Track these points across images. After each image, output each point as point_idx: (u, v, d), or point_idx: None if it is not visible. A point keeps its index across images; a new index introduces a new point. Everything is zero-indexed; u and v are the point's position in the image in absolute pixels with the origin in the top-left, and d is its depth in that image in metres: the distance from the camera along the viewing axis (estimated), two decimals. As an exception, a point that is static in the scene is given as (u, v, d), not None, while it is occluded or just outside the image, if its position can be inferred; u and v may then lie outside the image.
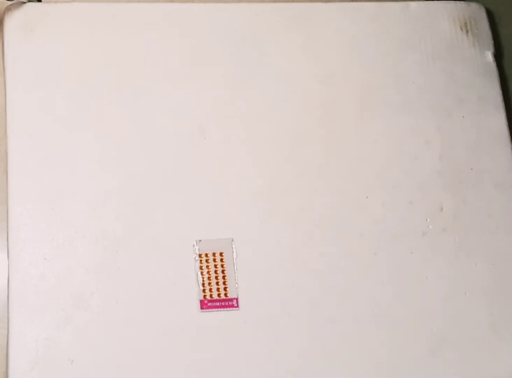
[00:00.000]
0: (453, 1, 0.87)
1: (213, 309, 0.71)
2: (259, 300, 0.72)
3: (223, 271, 0.72)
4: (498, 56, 0.86)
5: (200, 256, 0.72)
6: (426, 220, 0.77)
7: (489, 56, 0.84)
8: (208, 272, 0.72)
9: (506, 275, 0.76)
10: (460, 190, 0.79)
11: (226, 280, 0.72)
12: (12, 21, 0.78)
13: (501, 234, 0.78)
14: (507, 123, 0.81)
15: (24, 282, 0.70)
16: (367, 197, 0.77)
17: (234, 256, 0.73)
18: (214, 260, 0.73)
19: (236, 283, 0.72)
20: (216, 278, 0.72)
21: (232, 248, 0.73)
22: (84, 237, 0.72)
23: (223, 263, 0.72)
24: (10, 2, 0.78)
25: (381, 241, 0.76)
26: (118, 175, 0.75)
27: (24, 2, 0.79)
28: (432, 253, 0.76)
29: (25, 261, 0.71)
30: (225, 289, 0.72)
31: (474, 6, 0.87)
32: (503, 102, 0.82)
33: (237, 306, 0.72)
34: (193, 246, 0.72)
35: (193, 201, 0.75)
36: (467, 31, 0.85)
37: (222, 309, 0.71)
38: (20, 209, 0.72)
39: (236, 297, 0.72)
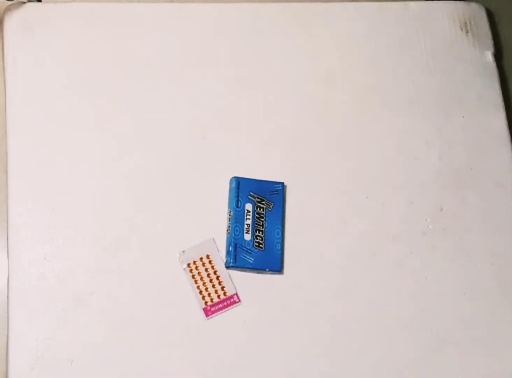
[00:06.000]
0: (453, 1, 0.87)
1: (218, 312, 0.71)
2: (259, 298, 0.73)
3: (215, 272, 0.72)
4: (498, 56, 0.86)
5: (188, 265, 0.72)
6: (426, 220, 0.77)
7: (489, 56, 0.84)
8: (201, 278, 0.72)
9: (506, 275, 0.76)
10: (460, 190, 0.79)
11: (220, 280, 0.72)
12: (12, 21, 0.78)
13: (501, 234, 0.78)
14: (507, 123, 0.81)
15: (24, 282, 0.70)
16: (367, 197, 0.77)
17: (222, 254, 0.73)
18: (204, 265, 0.73)
19: (231, 278, 0.72)
20: (211, 281, 0.72)
21: (216, 246, 0.73)
22: (84, 237, 0.72)
23: (213, 264, 0.72)
24: (10, 2, 0.78)
25: (381, 241, 0.76)
26: (118, 176, 0.75)
27: (24, 2, 0.79)
28: (432, 253, 0.76)
29: (25, 261, 0.71)
30: (222, 288, 0.72)
31: (474, 6, 0.87)
32: (503, 102, 0.82)
33: (239, 301, 0.72)
34: (178, 258, 0.72)
35: (193, 201, 0.75)
36: (467, 31, 0.85)
37: (226, 309, 0.71)
38: (20, 209, 0.72)
39: (235, 292, 0.72)
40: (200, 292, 0.71)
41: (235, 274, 0.73)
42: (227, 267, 0.72)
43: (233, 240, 0.71)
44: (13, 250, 0.71)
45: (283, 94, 0.80)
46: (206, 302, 0.71)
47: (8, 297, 0.70)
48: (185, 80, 0.79)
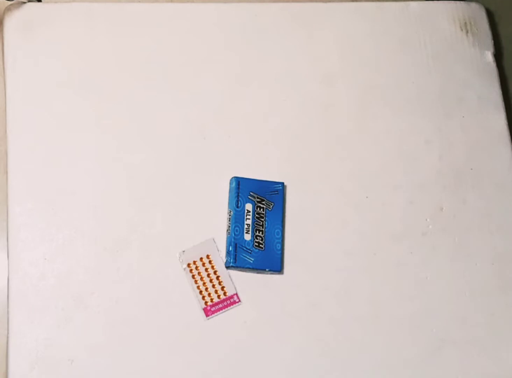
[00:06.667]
0: (453, 1, 0.87)
1: (218, 312, 0.71)
2: (259, 298, 0.73)
3: (215, 272, 0.72)
4: (498, 56, 0.86)
5: (188, 265, 0.72)
6: (426, 220, 0.77)
7: (489, 56, 0.84)
8: (201, 278, 0.72)
9: (506, 275, 0.76)
10: (460, 189, 0.79)
11: (220, 280, 0.72)
12: (12, 21, 0.78)
13: (501, 234, 0.78)
14: (507, 123, 0.81)
15: (24, 282, 0.70)
16: (367, 197, 0.77)
17: (222, 254, 0.73)
18: (204, 265, 0.73)
19: (231, 278, 0.72)
20: (211, 281, 0.72)
21: (216, 246, 0.73)
22: (84, 237, 0.72)
23: (213, 264, 0.72)
24: (10, 2, 0.78)
25: (381, 241, 0.76)
26: (118, 176, 0.75)
27: (24, 2, 0.79)
28: (432, 253, 0.76)
29: (25, 261, 0.71)
30: (222, 288, 0.72)
31: (474, 6, 0.87)
32: (503, 102, 0.82)
33: (239, 301, 0.72)
34: (178, 258, 0.72)
35: (193, 201, 0.75)
36: (467, 31, 0.85)
37: (226, 309, 0.71)
38: (20, 209, 0.72)
39: (235, 292, 0.72)
40: (200, 292, 0.71)
41: (235, 274, 0.73)
42: (227, 267, 0.72)
43: (233, 240, 0.71)
44: (13, 250, 0.71)
45: (283, 94, 0.80)
46: (206, 302, 0.71)
47: (8, 297, 0.70)
48: (185, 80, 0.79)
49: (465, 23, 0.85)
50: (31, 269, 0.71)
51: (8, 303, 0.70)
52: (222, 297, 0.72)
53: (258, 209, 0.73)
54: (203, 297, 0.71)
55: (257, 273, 0.73)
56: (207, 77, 0.79)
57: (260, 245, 0.72)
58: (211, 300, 0.71)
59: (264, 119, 0.79)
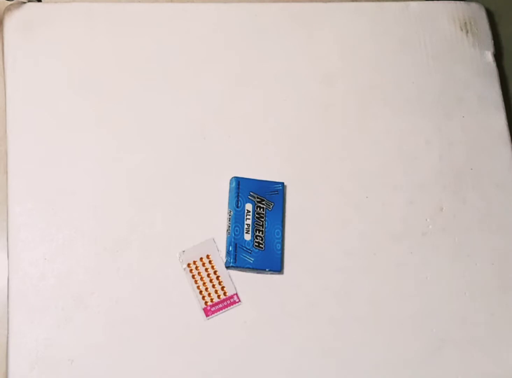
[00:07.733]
0: (453, 1, 0.87)
1: (218, 312, 0.71)
2: (259, 298, 0.73)
3: (215, 272, 0.72)
4: (498, 56, 0.86)
5: (188, 265, 0.72)
6: (426, 220, 0.77)
7: (489, 56, 0.84)
8: (201, 278, 0.72)
9: (506, 275, 0.76)
10: (460, 189, 0.79)
11: (220, 280, 0.72)
12: (12, 21, 0.78)
13: (501, 234, 0.78)
14: (507, 123, 0.81)
15: (24, 282, 0.70)
16: (367, 197, 0.77)
17: (222, 254, 0.73)
18: (204, 265, 0.73)
19: (231, 278, 0.72)
20: (211, 281, 0.72)
21: (216, 246, 0.73)
22: (84, 237, 0.72)
23: (213, 264, 0.73)
24: (10, 2, 0.78)
25: (381, 241, 0.76)
26: (118, 175, 0.75)
27: (24, 2, 0.79)
28: (432, 253, 0.76)
29: (25, 261, 0.71)
30: (222, 288, 0.72)
31: (474, 6, 0.87)
32: (503, 102, 0.82)
33: (239, 301, 0.72)
34: (178, 258, 0.72)
35: (193, 201, 0.75)
36: (467, 31, 0.85)
37: (226, 309, 0.71)
38: (20, 209, 0.72)
39: (235, 292, 0.72)
40: (200, 292, 0.72)
41: (235, 274, 0.73)
42: (227, 267, 0.72)
43: (233, 240, 0.71)
44: (13, 250, 0.71)
45: (283, 94, 0.80)
46: (206, 302, 0.71)
47: (8, 297, 0.70)
48: (185, 80, 0.79)
49: (465, 23, 0.85)
50: (31, 269, 0.71)
51: (8, 303, 0.70)
52: (222, 297, 0.72)
53: (258, 209, 0.73)
54: (203, 297, 0.71)
55: (257, 273, 0.73)
56: (207, 77, 0.79)
57: (260, 245, 0.72)
58: (211, 300, 0.71)
59: (264, 119, 0.79)
